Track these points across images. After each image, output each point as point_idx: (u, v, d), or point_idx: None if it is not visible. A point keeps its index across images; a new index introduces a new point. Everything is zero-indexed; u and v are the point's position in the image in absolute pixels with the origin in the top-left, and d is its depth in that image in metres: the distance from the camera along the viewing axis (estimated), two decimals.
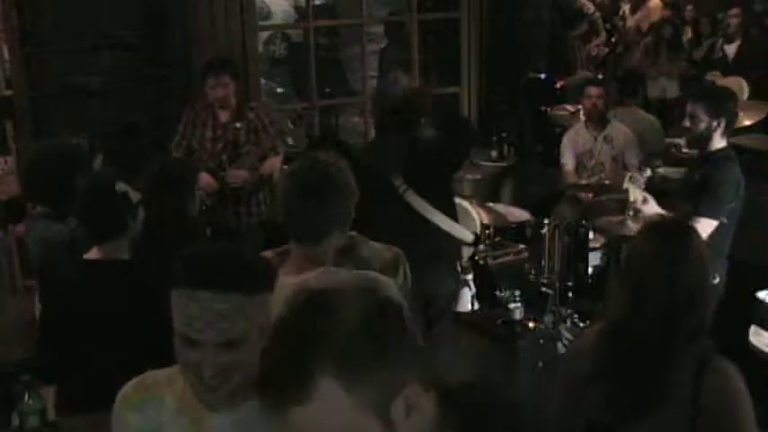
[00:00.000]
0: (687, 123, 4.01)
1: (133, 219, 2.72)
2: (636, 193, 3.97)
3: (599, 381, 2.14)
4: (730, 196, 3.89)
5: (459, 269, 3.78)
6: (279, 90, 8.58)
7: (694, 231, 2.27)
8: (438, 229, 3.71)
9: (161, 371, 1.75)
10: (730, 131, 4.02)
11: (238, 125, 4.68)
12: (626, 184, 4.08)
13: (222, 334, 1.53)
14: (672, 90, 8.10)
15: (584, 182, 5.58)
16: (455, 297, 3.83)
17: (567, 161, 5.75)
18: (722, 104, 3.95)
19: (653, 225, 2.42)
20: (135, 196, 2.72)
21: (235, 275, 1.54)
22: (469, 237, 3.85)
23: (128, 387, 1.76)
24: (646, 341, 2.11)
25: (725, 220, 3.87)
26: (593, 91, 5.59)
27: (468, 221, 4.14)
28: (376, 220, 3.10)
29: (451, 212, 3.86)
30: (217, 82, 4.60)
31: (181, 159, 4.48)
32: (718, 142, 3.95)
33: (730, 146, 4.04)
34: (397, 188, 3.59)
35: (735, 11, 8.04)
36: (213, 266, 1.55)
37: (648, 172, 4.17)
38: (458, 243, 3.82)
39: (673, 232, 2.25)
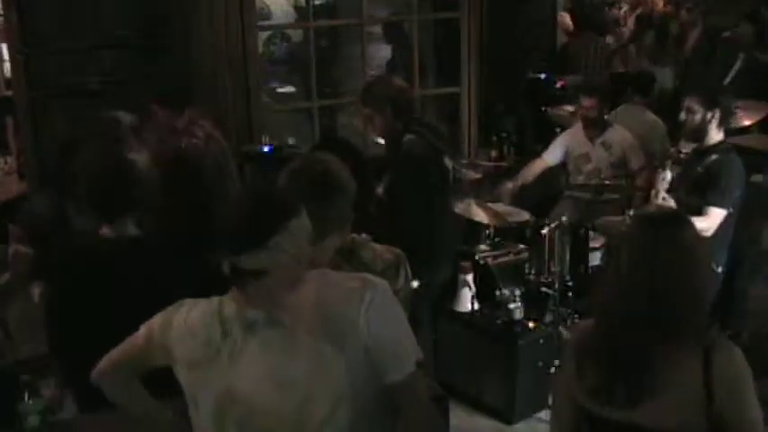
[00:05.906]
0: (683, 116, 4.09)
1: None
2: (662, 193, 4.09)
3: (600, 372, 2.13)
4: (736, 187, 3.99)
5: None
6: (279, 90, 8.58)
7: (688, 223, 2.21)
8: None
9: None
10: (726, 125, 4.12)
11: None
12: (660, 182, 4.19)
13: None
14: (669, 81, 8.14)
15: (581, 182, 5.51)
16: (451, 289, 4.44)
17: (548, 156, 5.64)
18: (716, 97, 4.08)
19: (645, 216, 2.40)
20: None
21: None
22: None
23: None
24: (637, 330, 2.09)
25: (731, 210, 3.95)
26: (585, 102, 5.45)
27: None
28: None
29: None
30: None
31: None
32: (716, 135, 4.06)
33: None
34: (450, 167, 4.21)
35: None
36: None
37: (668, 174, 4.18)
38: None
39: (663, 223, 2.19)
